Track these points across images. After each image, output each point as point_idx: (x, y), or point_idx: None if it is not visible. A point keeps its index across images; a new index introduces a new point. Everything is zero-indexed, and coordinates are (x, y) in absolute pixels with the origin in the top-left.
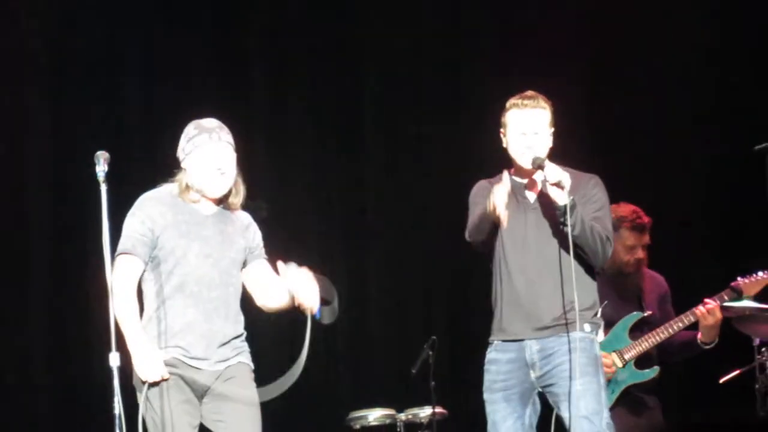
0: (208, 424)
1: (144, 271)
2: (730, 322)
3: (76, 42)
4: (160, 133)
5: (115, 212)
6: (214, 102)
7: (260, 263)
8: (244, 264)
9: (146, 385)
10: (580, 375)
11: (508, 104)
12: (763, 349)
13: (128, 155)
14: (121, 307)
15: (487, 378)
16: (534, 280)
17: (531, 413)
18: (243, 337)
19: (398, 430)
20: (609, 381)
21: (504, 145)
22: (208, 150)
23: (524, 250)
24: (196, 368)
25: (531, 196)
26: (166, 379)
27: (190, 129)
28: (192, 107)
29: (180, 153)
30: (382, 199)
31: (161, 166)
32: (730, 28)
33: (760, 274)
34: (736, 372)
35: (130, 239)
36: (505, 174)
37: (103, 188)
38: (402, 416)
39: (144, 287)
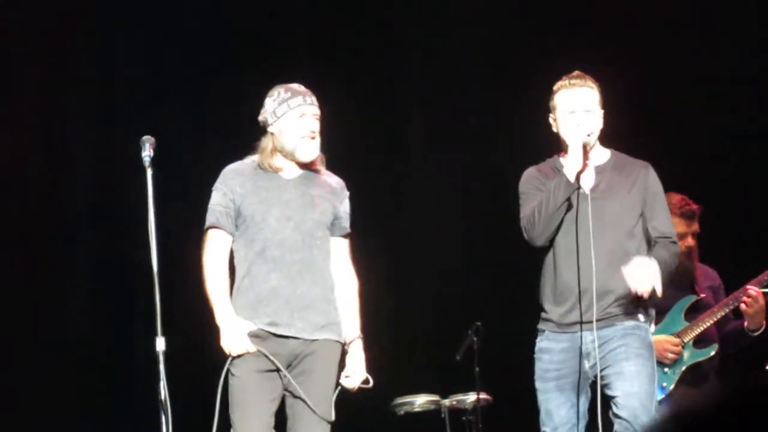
0: (287, 396)
1: (233, 242)
2: None
3: (123, 26)
4: (207, 117)
5: (160, 196)
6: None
7: (337, 242)
8: (330, 233)
9: (230, 359)
10: (634, 357)
11: (555, 87)
12: None
13: (174, 140)
14: (208, 282)
15: (539, 366)
16: (589, 270)
17: (584, 402)
18: (334, 303)
19: (443, 416)
20: (675, 362)
21: (555, 130)
22: (302, 111)
23: (585, 239)
24: (283, 337)
25: (584, 182)
26: (251, 353)
27: (281, 91)
28: (239, 94)
29: (268, 116)
30: (420, 185)
31: (207, 151)
32: None
33: None
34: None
35: (213, 213)
36: (575, 150)
37: (149, 173)
38: (446, 402)
39: (234, 259)
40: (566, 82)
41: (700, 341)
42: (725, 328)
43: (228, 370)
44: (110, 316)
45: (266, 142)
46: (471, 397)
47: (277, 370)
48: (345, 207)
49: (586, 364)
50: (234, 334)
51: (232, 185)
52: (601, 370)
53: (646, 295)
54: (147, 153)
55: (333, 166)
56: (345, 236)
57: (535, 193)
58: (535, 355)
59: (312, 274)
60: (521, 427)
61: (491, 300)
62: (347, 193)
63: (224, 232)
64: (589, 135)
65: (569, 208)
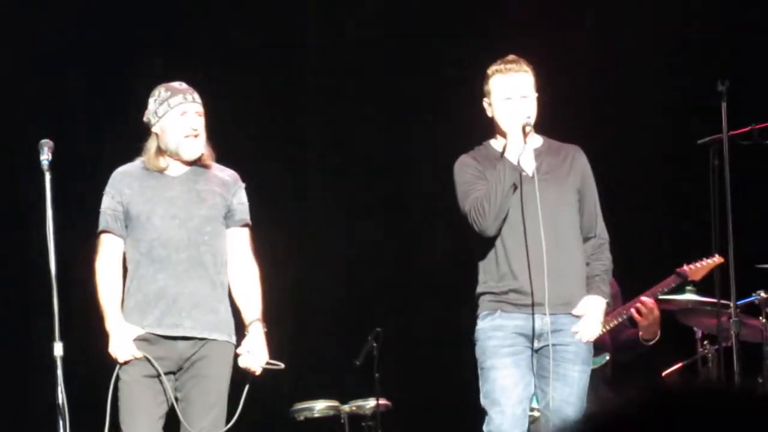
0: (175, 400)
1: (124, 243)
2: (673, 315)
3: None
4: (104, 118)
5: (58, 201)
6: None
7: (233, 233)
8: (227, 225)
9: (117, 366)
10: (581, 363)
11: (490, 71)
12: (706, 342)
13: (72, 143)
14: (99, 287)
15: (492, 344)
16: (540, 252)
17: (532, 381)
18: (225, 302)
19: (342, 421)
20: None
21: (489, 114)
22: (183, 110)
23: (534, 222)
24: (172, 338)
25: (527, 165)
26: (138, 358)
27: (161, 91)
28: (140, 90)
29: (151, 117)
30: (322, 190)
31: (106, 153)
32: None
33: (705, 259)
34: (679, 365)
35: (104, 216)
36: (514, 134)
37: (47, 176)
38: (346, 408)
39: (125, 260)
40: (501, 66)
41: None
42: (620, 337)
43: (117, 376)
44: (7, 321)
45: (151, 143)
46: (370, 403)
47: (166, 373)
48: (240, 198)
49: (536, 344)
50: (120, 340)
51: (120, 188)
52: (543, 354)
53: (591, 341)
54: (45, 156)
55: (234, 162)
56: (243, 226)
57: (475, 181)
58: (485, 334)
59: (200, 271)
60: None
61: (391, 306)
62: (242, 185)
63: (114, 235)
64: (528, 117)
65: (514, 191)
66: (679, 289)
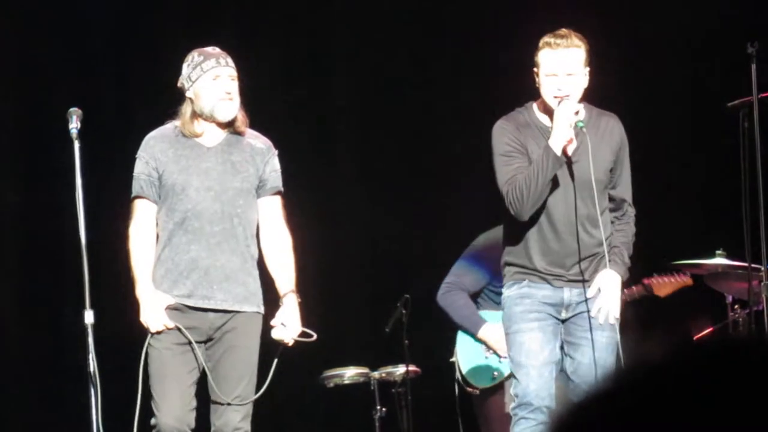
0: (207, 369)
1: (157, 210)
2: (702, 280)
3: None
4: (132, 90)
5: (87, 168)
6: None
7: (266, 201)
8: (259, 195)
9: (149, 335)
10: (609, 328)
11: (540, 43)
12: (736, 306)
13: (100, 112)
14: (131, 254)
15: (519, 309)
16: (572, 230)
17: (557, 349)
18: (254, 274)
19: (372, 388)
20: (500, 360)
21: (537, 85)
22: (216, 73)
23: (565, 199)
24: (202, 310)
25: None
26: (170, 328)
27: (195, 56)
28: (163, 65)
29: (185, 81)
30: (355, 155)
31: (133, 123)
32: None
33: (674, 276)
34: (710, 329)
35: (138, 182)
36: (562, 128)
37: (76, 145)
38: (376, 374)
39: (157, 226)
40: (551, 40)
41: None
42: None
43: (148, 344)
44: (39, 289)
45: (185, 108)
46: (400, 370)
47: (197, 342)
48: (273, 166)
49: (564, 314)
50: (152, 309)
51: (153, 152)
52: (574, 326)
53: (611, 320)
54: (74, 125)
55: (267, 129)
56: (275, 194)
57: (511, 154)
58: (513, 301)
59: (232, 244)
60: (450, 400)
61: (420, 272)
62: (275, 152)
63: (149, 201)
64: (579, 119)
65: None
66: (709, 255)
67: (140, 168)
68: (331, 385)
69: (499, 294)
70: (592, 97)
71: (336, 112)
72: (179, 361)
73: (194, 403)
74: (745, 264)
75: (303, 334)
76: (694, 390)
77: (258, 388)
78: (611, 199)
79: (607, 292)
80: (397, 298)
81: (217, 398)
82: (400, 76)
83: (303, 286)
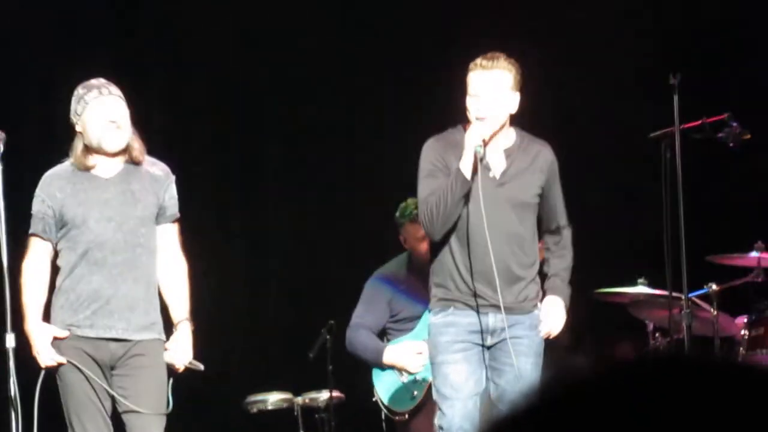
0: (116, 396)
1: (56, 247)
2: (625, 307)
3: None
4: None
5: (9, 192)
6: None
7: (163, 229)
8: (158, 222)
9: (42, 371)
10: (534, 355)
11: (471, 64)
12: (657, 334)
13: (24, 133)
14: (22, 289)
15: (444, 339)
16: (496, 253)
17: (484, 377)
18: (155, 303)
19: (296, 413)
20: (415, 380)
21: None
22: (99, 104)
23: (492, 222)
24: (104, 339)
25: (494, 166)
26: (62, 364)
27: (79, 90)
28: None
29: (73, 116)
30: (281, 180)
31: (59, 143)
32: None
33: None
34: (630, 352)
35: (35, 220)
36: (468, 152)
37: (0, 168)
38: (299, 400)
39: (57, 262)
40: (477, 62)
41: None
42: None
43: (44, 380)
44: None
45: (77, 143)
46: (324, 395)
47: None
48: (171, 192)
49: (489, 340)
50: (42, 344)
51: (50, 191)
52: (498, 348)
53: (555, 333)
54: None
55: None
56: (173, 222)
57: (433, 172)
58: (438, 330)
59: (134, 273)
60: (373, 425)
61: (345, 298)
62: (173, 178)
63: (42, 240)
64: (480, 146)
65: (465, 203)
66: (631, 283)
67: (37, 207)
68: (255, 410)
69: (399, 321)
70: (523, 121)
71: (263, 135)
72: (93, 391)
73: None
74: (666, 292)
75: (193, 364)
76: (612, 406)
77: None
78: (546, 227)
79: (552, 315)
80: (322, 323)
81: (125, 408)
82: (330, 100)
83: (227, 310)
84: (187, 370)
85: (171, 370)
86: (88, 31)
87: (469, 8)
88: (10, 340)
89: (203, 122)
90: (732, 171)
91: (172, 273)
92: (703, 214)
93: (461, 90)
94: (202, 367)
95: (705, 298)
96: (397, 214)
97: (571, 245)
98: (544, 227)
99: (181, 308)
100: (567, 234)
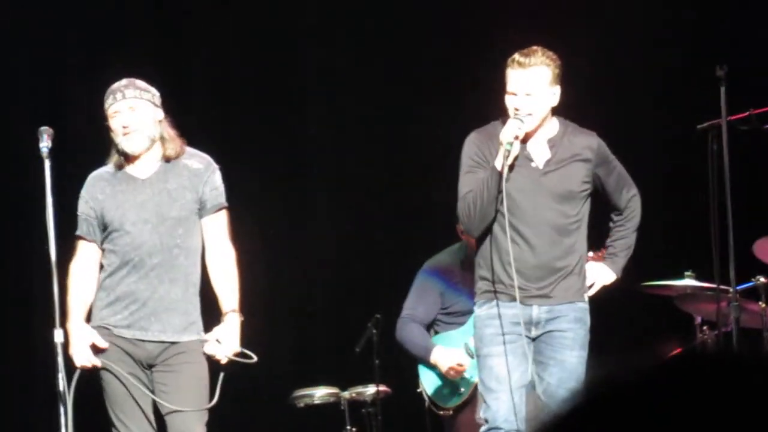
0: (156, 394)
1: (101, 247)
2: (671, 301)
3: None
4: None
5: (58, 188)
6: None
7: (208, 220)
8: (201, 215)
9: (77, 370)
10: (579, 348)
11: (509, 59)
12: (705, 328)
13: (71, 130)
14: (68, 290)
15: (488, 332)
16: (540, 245)
17: (529, 369)
18: (194, 302)
19: (342, 408)
20: (462, 376)
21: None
22: (114, 110)
23: (535, 213)
24: (140, 340)
25: (538, 157)
26: (95, 366)
27: (105, 94)
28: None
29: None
30: (326, 172)
31: (104, 140)
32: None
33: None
34: (678, 350)
35: (80, 221)
36: (501, 148)
37: (47, 164)
38: (346, 394)
39: (102, 261)
40: (515, 58)
41: None
42: None
43: (78, 380)
44: (9, 308)
45: (112, 144)
46: (370, 390)
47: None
48: (213, 184)
49: (533, 332)
50: (78, 345)
51: (93, 192)
52: (544, 345)
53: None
54: (45, 144)
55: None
56: (218, 212)
57: (472, 168)
58: (482, 322)
59: (172, 275)
60: (419, 419)
61: (392, 292)
62: (215, 167)
63: (86, 240)
64: (509, 144)
65: (500, 202)
66: (678, 277)
67: (81, 208)
68: (302, 405)
69: (451, 314)
70: (566, 114)
71: (309, 129)
72: (134, 388)
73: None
74: (714, 285)
75: (242, 355)
76: (658, 406)
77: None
78: (614, 205)
79: (599, 273)
80: (368, 317)
81: (167, 410)
82: (376, 97)
83: (273, 306)
84: (233, 362)
85: (221, 364)
86: (132, 26)
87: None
88: (59, 335)
89: (243, 114)
90: None
91: (219, 265)
92: (751, 206)
93: (503, 81)
94: (254, 358)
95: (753, 290)
96: None
97: (639, 211)
98: (612, 206)
99: (229, 299)
100: (633, 204)
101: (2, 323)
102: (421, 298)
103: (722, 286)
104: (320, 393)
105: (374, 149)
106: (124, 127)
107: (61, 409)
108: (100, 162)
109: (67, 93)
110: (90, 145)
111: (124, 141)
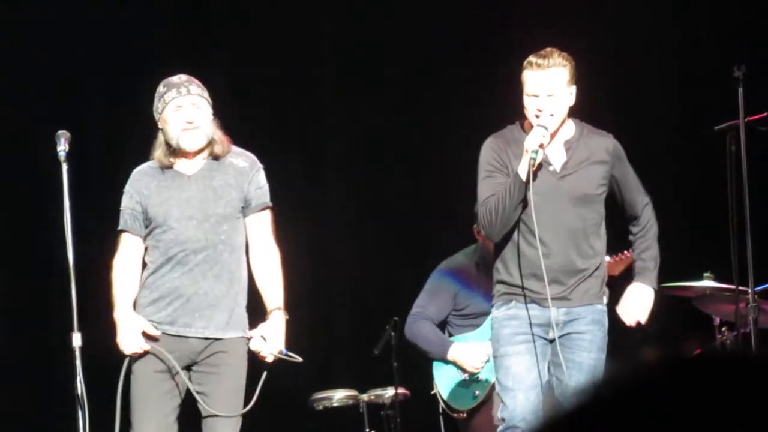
0: (194, 393)
1: (144, 243)
2: (690, 302)
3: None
4: (120, 111)
5: (76, 191)
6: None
7: (253, 219)
8: (245, 213)
9: (127, 358)
10: (597, 350)
11: (524, 63)
12: (724, 329)
13: (89, 134)
14: (113, 283)
15: (506, 332)
16: (559, 248)
17: (544, 370)
18: (241, 299)
19: (361, 410)
20: (477, 379)
21: (522, 104)
22: (177, 104)
23: (553, 216)
24: (183, 337)
25: (555, 160)
26: (146, 351)
27: (160, 87)
28: (152, 81)
29: (155, 113)
30: (343, 175)
31: (121, 145)
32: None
33: (626, 252)
34: (698, 351)
35: (123, 216)
36: (525, 156)
37: (65, 167)
38: (365, 397)
39: (145, 258)
40: (533, 60)
41: None
42: None
43: (128, 369)
44: (27, 312)
45: (159, 139)
46: (389, 392)
47: (182, 365)
48: (257, 183)
49: (551, 333)
50: (128, 331)
51: (138, 187)
52: (562, 347)
53: (643, 321)
54: (62, 148)
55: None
56: (262, 210)
57: (491, 172)
58: (501, 323)
59: (216, 271)
60: (438, 422)
61: (409, 295)
62: (259, 167)
63: (132, 234)
64: (535, 152)
65: (524, 208)
66: (697, 278)
67: (126, 202)
68: (320, 407)
69: (465, 317)
70: (582, 116)
71: (326, 136)
72: (159, 388)
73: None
74: (733, 286)
75: (289, 356)
76: (661, 407)
77: (246, 403)
78: (629, 213)
79: (639, 303)
80: (387, 320)
81: (207, 413)
82: (393, 100)
83: (291, 308)
84: (280, 360)
85: (264, 364)
86: (149, 31)
87: (525, 3)
88: (77, 339)
89: (261, 119)
90: None
91: (264, 263)
92: None
93: (517, 84)
94: (299, 359)
95: None
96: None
97: (655, 220)
98: (627, 214)
99: (274, 297)
100: (648, 213)
101: (21, 328)
102: (433, 298)
103: (741, 287)
104: (339, 395)
105: (392, 152)
106: (188, 123)
107: (79, 413)
108: (117, 166)
109: (85, 97)
110: (107, 149)
111: (183, 136)
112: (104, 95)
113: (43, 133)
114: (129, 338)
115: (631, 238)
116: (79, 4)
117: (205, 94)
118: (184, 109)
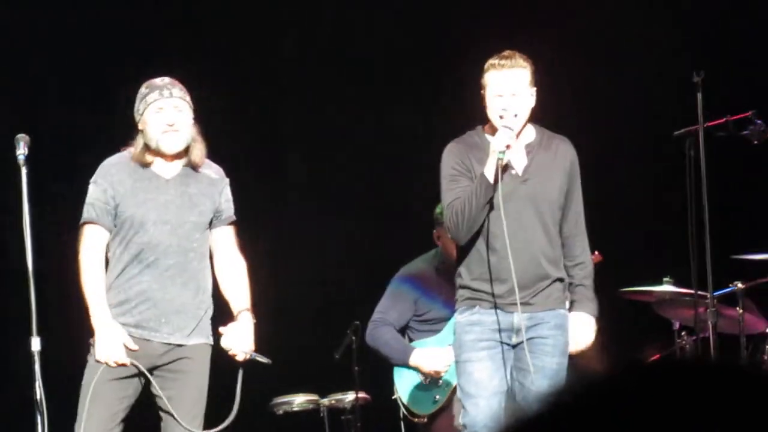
0: (156, 398)
1: (110, 238)
2: (650, 306)
3: None
4: (78, 114)
5: (34, 195)
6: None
7: (221, 231)
8: (214, 225)
9: (101, 366)
10: (560, 354)
11: (486, 65)
12: (683, 333)
13: (46, 137)
14: (85, 281)
15: (469, 338)
16: (522, 252)
17: (507, 375)
18: (206, 307)
19: (322, 415)
20: (438, 383)
21: (484, 107)
22: (159, 106)
23: (516, 220)
24: (147, 340)
25: (516, 163)
26: (122, 364)
27: (142, 88)
28: (115, 84)
29: (135, 114)
30: (305, 179)
31: (80, 148)
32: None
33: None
34: (657, 356)
35: (93, 208)
36: (500, 126)
37: (24, 171)
38: (325, 401)
39: (108, 255)
40: (496, 61)
41: None
42: None
43: (93, 368)
44: None
45: (139, 139)
46: (350, 397)
47: (142, 374)
48: (226, 195)
49: (514, 338)
50: (109, 344)
51: (112, 181)
52: (523, 347)
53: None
54: (21, 151)
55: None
56: (230, 224)
57: (455, 176)
58: (463, 328)
59: (184, 277)
60: (399, 427)
61: (371, 299)
62: (227, 180)
63: (103, 229)
64: (502, 152)
65: (490, 210)
66: (657, 282)
67: (97, 194)
68: (281, 412)
69: (425, 322)
70: (544, 120)
71: (286, 138)
72: (112, 395)
73: None
74: (692, 291)
75: (259, 357)
76: (633, 410)
77: (225, 413)
78: (566, 231)
79: (580, 331)
80: (347, 324)
81: (166, 415)
82: (351, 100)
83: (254, 311)
84: (250, 361)
85: (240, 363)
86: (113, 34)
87: (488, 6)
88: (36, 344)
89: (223, 126)
90: (756, 169)
91: (231, 270)
92: (728, 212)
93: (478, 88)
94: (269, 360)
95: (731, 296)
96: (438, 210)
97: (589, 253)
98: (564, 231)
99: (241, 300)
100: (584, 240)
101: None
102: (394, 303)
103: (700, 292)
104: (299, 400)
105: (352, 158)
106: (169, 125)
107: (38, 419)
108: (78, 169)
109: (46, 101)
110: (67, 152)
111: (163, 138)
112: (64, 98)
113: (1, 137)
114: (110, 350)
115: (567, 263)
116: (36, 9)
117: (188, 97)
118: (166, 111)
